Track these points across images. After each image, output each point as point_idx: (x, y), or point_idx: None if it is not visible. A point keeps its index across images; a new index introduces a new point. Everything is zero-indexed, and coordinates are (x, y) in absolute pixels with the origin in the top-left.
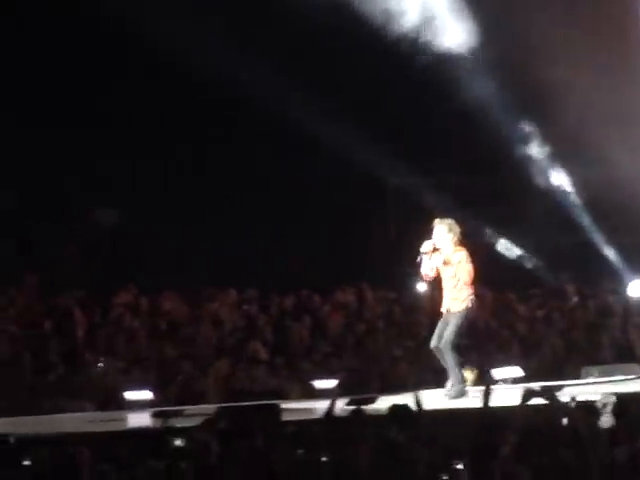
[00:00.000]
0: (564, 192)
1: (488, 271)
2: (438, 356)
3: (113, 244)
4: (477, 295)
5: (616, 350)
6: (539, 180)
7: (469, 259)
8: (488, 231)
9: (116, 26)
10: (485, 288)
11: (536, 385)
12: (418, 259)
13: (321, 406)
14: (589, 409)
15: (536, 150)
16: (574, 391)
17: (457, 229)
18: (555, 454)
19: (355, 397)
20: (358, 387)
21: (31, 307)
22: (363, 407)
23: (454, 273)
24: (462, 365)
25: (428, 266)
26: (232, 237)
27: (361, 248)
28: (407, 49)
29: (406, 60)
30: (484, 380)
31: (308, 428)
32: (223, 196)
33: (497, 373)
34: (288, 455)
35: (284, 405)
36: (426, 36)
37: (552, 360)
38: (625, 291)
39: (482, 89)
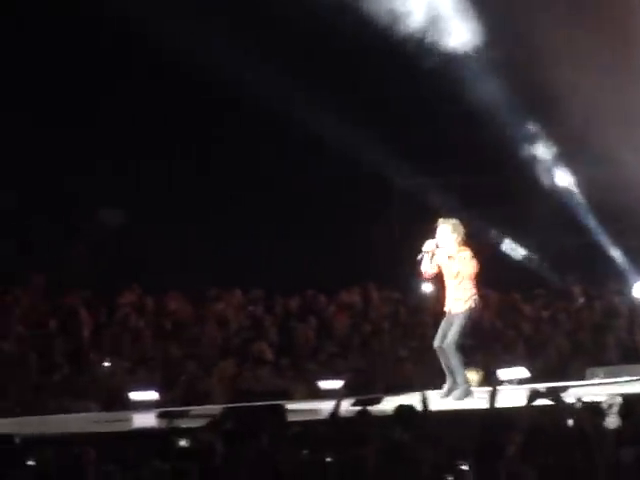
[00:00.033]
0: (570, 193)
1: (493, 271)
2: (440, 356)
3: (118, 244)
4: (481, 295)
5: (622, 351)
6: (545, 181)
7: (473, 259)
8: (494, 231)
9: (120, 26)
10: (490, 289)
11: (541, 386)
12: (419, 257)
13: (326, 407)
14: (595, 410)
15: (542, 150)
16: (580, 392)
17: (461, 229)
18: (561, 455)
19: (360, 397)
20: (363, 387)
21: (37, 307)
22: (368, 407)
23: (457, 273)
24: (466, 366)
25: (428, 264)
26: (237, 237)
27: (366, 248)
28: (413, 49)
29: (412, 60)
30: (490, 381)
31: (313, 429)
32: (228, 196)
33: (503, 374)
34: (293, 456)
35: (289, 405)
36: (432, 37)
37: (558, 361)
38: (631, 292)
39: (488, 89)
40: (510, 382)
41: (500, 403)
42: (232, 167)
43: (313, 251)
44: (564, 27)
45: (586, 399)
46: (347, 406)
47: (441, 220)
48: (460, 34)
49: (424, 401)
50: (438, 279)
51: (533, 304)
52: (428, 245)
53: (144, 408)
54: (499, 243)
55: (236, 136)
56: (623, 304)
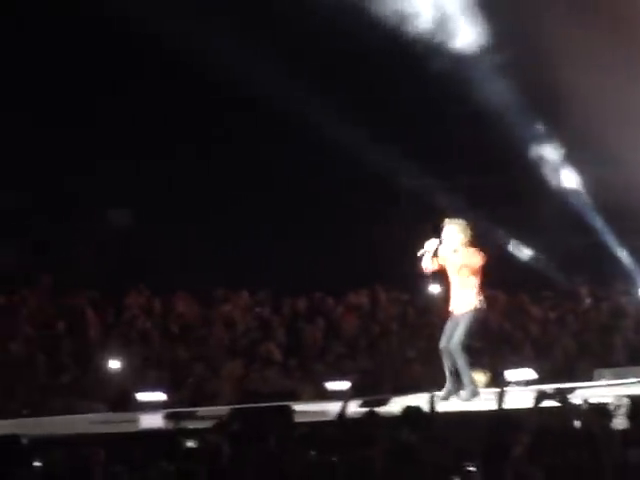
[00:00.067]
0: (577, 193)
1: (501, 273)
2: (444, 357)
3: (125, 244)
4: (486, 296)
5: (629, 352)
6: (552, 181)
7: (478, 260)
8: (501, 232)
9: (121, 26)
10: (498, 290)
11: (549, 387)
12: (420, 253)
13: (334, 408)
14: (602, 411)
15: (549, 151)
16: (587, 393)
17: (468, 230)
18: (568, 456)
19: (368, 399)
20: (371, 388)
21: (44, 308)
22: (376, 409)
23: (461, 267)
24: (473, 367)
25: (429, 261)
26: (244, 237)
27: (373, 249)
28: (420, 51)
29: (419, 61)
30: (497, 382)
31: (321, 430)
32: (234, 196)
33: (510, 375)
34: (300, 457)
35: (297, 406)
36: (440, 38)
37: (565, 362)
38: (638, 293)
39: (495, 90)
40: (517, 383)
41: (507, 404)
42: (239, 167)
43: (320, 252)
44: (572, 28)
45: (593, 400)
46: (354, 407)
47: (448, 220)
48: (468, 35)
49: (432, 402)
50: (444, 279)
51: (540, 305)
52: (430, 244)
53: (151, 409)
54: (506, 244)
55: (242, 136)
56: (630, 305)
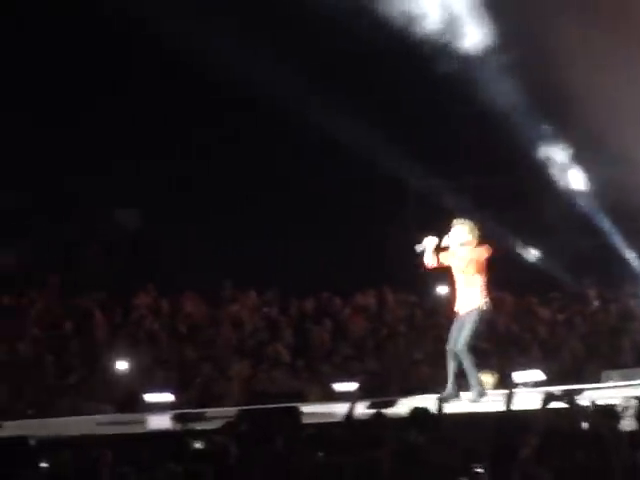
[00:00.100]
0: (585, 194)
1: (508, 274)
2: (449, 358)
3: (133, 245)
4: (492, 298)
5: (637, 354)
6: (559, 182)
7: (484, 253)
8: (508, 234)
9: (124, 26)
10: (506, 291)
11: (557, 389)
12: (418, 249)
13: (341, 409)
14: (610, 413)
15: (556, 152)
16: (595, 395)
17: (476, 231)
18: (576, 458)
19: (376, 400)
20: (379, 390)
21: (52, 308)
22: (383, 410)
23: (468, 271)
24: (481, 368)
25: (430, 257)
26: (251, 238)
27: (381, 250)
28: (427, 52)
29: (426, 62)
30: (505, 384)
31: (328, 431)
32: (243, 197)
33: (518, 377)
34: (308, 458)
35: (304, 408)
36: (446, 39)
37: (573, 364)
38: None
39: (502, 90)
40: (525, 385)
41: (515, 406)
42: (247, 167)
43: (328, 253)
44: (578, 27)
45: (601, 402)
46: (362, 408)
47: (456, 220)
48: (473, 36)
49: (439, 403)
50: (449, 280)
51: (549, 307)
52: (428, 241)
53: (159, 410)
54: (514, 245)
55: (249, 136)
56: (639, 307)
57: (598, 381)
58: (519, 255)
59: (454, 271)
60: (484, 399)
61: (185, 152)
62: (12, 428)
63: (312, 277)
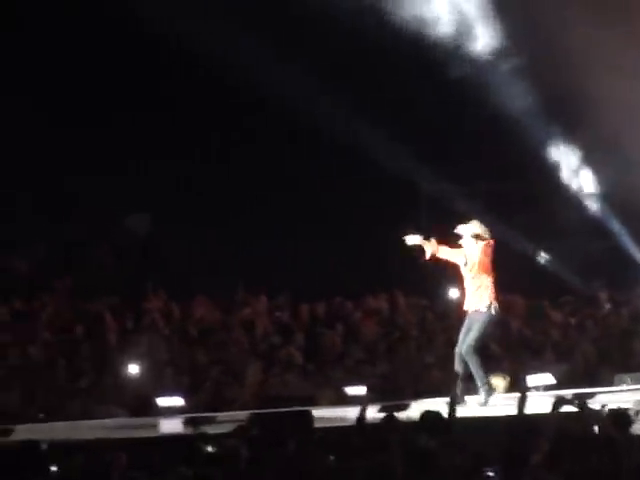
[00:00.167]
0: (597, 197)
1: (520, 277)
2: (456, 360)
3: (144, 248)
4: (503, 301)
5: None
6: (570, 185)
7: (490, 260)
8: (520, 237)
9: (138, 26)
10: (517, 295)
11: (568, 392)
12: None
13: (353, 413)
14: (622, 416)
15: (567, 155)
16: (607, 398)
17: (485, 233)
18: (587, 462)
19: (387, 404)
20: (390, 394)
21: (63, 312)
22: (395, 414)
23: (476, 270)
24: (493, 372)
25: (427, 249)
26: (263, 241)
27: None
28: (438, 54)
29: (438, 66)
30: (518, 387)
31: (340, 435)
32: (254, 200)
33: (529, 380)
34: (319, 462)
35: (316, 411)
36: (457, 42)
37: (585, 367)
38: None
39: (513, 94)
40: (537, 388)
41: (527, 409)
42: (259, 171)
43: (339, 256)
44: (589, 30)
45: (613, 406)
46: (373, 412)
47: (466, 222)
48: (485, 39)
49: (451, 407)
50: (458, 281)
51: (561, 311)
52: (410, 239)
53: (170, 414)
54: (526, 250)
55: (260, 137)
56: None
57: (611, 385)
58: (531, 259)
59: (462, 270)
60: (493, 400)
61: (195, 155)
62: (23, 432)
63: (322, 278)
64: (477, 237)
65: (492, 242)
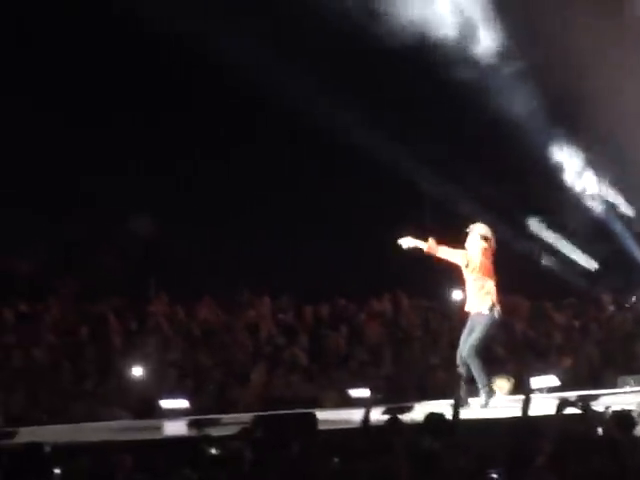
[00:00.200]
0: (601, 200)
1: (524, 280)
2: (458, 362)
3: (147, 249)
4: (506, 303)
5: None
6: (574, 188)
7: (491, 261)
8: (525, 241)
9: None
10: (521, 297)
11: (572, 394)
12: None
13: (357, 415)
14: (625, 418)
15: (570, 157)
16: (610, 400)
17: (490, 236)
18: (591, 463)
19: (391, 406)
20: (394, 395)
21: (67, 315)
22: (399, 416)
23: (477, 274)
24: (496, 374)
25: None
26: (266, 242)
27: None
28: (439, 57)
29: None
30: (522, 389)
31: (344, 437)
32: (257, 201)
33: (533, 382)
34: (324, 464)
35: (320, 413)
36: (459, 45)
37: (588, 369)
38: None
39: (514, 97)
40: (540, 390)
41: (531, 411)
42: (262, 172)
43: (342, 257)
44: (590, 32)
45: (617, 408)
46: (378, 414)
47: (472, 225)
48: (486, 42)
49: (455, 409)
50: (460, 281)
51: (564, 313)
52: (404, 241)
53: (174, 416)
54: (530, 252)
55: (261, 137)
56: None
57: (614, 386)
58: (534, 261)
59: (463, 272)
60: (493, 402)
61: (196, 155)
62: (27, 434)
63: (327, 282)
64: (479, 239)
65: (494, 244)
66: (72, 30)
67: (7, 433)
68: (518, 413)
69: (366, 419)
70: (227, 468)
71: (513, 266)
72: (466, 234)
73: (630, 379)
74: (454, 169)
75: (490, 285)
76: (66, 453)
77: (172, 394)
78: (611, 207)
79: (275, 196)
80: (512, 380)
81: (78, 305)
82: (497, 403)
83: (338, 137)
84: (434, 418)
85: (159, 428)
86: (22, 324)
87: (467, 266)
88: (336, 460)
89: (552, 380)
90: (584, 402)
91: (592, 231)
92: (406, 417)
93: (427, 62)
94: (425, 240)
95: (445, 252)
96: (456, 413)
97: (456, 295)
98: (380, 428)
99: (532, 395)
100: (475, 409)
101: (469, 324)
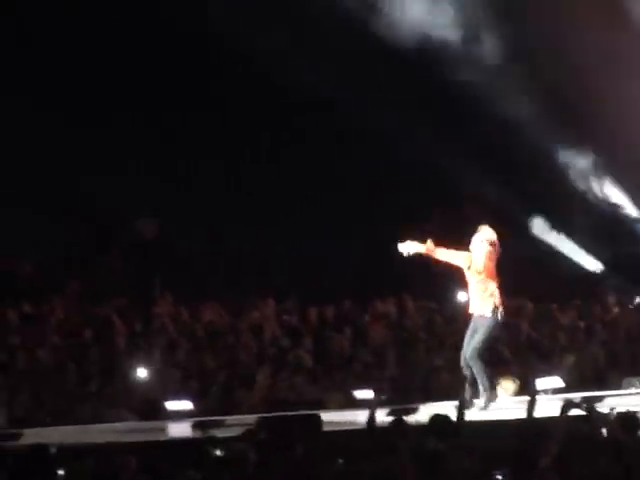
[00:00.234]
0: (608, 201)
1: (529, 281)
2: (462, 364)
3: (150, 250)
4: (510, 305)
5: None
6: (582, 189)
7: (494, 263)
8: (530, 241)
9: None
10: (526, 298)
11: (577, 396)
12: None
13: (361, 416)
14: (630, 420)
15: (579, 158)
16: (615, 402)
17: (495, 240)
18: (595, 464)
19: (396, 407)
20: (399, 397)
21: (72, 316)
22: (404, 417)
23: (481, 278)
24: (501, 375)
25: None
26: (270, 241)
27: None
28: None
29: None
30: (527, 390)
31: (348, 438)
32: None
33: (539, 383)
34: (328, 466)
35: (324, 415)
36: (468, 46)
37: (593, 371)
38: None
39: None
40: (545, 392)
41: (536, 413)
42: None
43: (346, 259)
44: (597, 35)
45: (621, 409)
46: (382, 416)
47: (478, 228)
48: (493, 44)
49: (460, 410)
50: (463, 282)
51: (569, 314)
52: (404, 246)
53: (179, 418)
54: (535, 253)
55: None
56: None
57: (619, 388)
58: (540, 262)
59: (466, 274)
60: (493, 405)
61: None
62: (31, 436)
63: (331, 284)
64: (485, 243)
65: (498, 247)
66: (72, 30)
67: (12, 435)
68: (523, 414)
69: (371, 420)
70: (231, 470)
71: (517, 267)
72: (470, 237)
73: (635, 381)
74: (462, 170)
75: (493, 287)
76: (71, 455)
77: (177, 396)
78: (616, 208)
79: (279, 197)
80: (517, 381)
81: (82, 306)
82: (502, 404)
83: (341, 137)
84: (439, 419)
85: (164, 430)
86: (26, 325)
87: (469, 268)
88: (340, 461)
89: (557, 382)
90: (589, 404)
91: (597, 232)
92: (411, 418)
93: (428, 63)
94: (424, 242)
95: (444, 254)
96: (461, 414)
97: (461, 297)
98: (385, 429)
99: (537, 397)
100: (475, 411)
101: (472, 326)
